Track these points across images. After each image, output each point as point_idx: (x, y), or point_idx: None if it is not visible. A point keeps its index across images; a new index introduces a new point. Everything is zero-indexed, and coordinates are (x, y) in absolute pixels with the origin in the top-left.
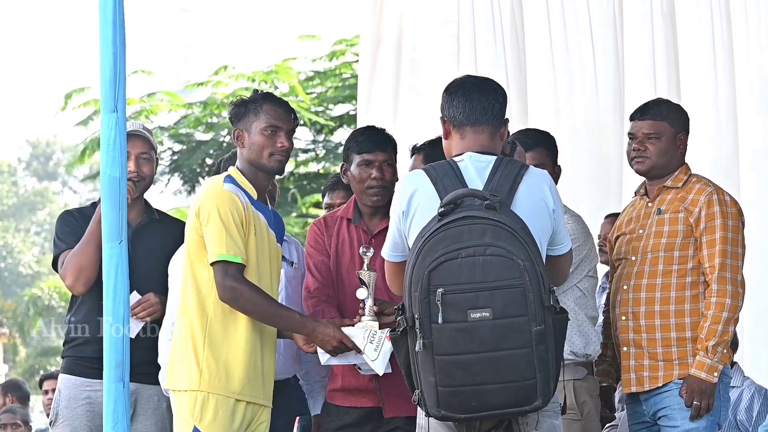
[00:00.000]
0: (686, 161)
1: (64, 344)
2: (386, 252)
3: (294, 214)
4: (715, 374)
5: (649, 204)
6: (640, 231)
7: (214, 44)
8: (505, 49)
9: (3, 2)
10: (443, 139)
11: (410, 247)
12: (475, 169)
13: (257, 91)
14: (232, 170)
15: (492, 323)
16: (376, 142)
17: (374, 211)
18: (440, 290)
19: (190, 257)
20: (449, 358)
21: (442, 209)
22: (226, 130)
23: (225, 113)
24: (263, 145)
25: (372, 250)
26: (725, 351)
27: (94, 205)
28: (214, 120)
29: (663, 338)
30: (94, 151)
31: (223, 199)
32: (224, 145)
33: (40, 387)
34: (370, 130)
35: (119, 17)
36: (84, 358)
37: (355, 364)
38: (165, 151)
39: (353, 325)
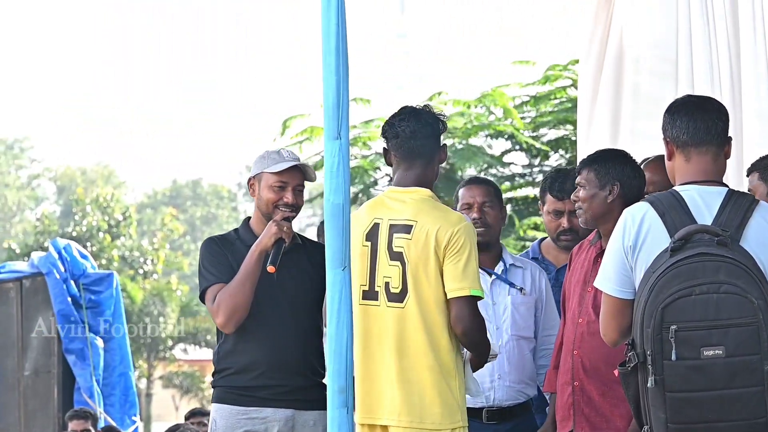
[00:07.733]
0: None
1: (213, 374)
2: (613, 288)
3: (512, 237)
4: None
5: None
6: None
7: (429, 71)
8: (720, 76)
9: (228, 30)
10: (666, 161)
11: (636, 282)
12: (704, 201)
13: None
14: None
15: (725, 361)
16: None
17: None
18: (674, 327)
19: (434, 285)
20: (681, 395)
21: (674, 245)
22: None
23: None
24: None
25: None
26: None
27: (236, 231)
28: None
29: None
30: None
31: (475, 234)
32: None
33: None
34: None
35: (342, 45)
36: (237, 388)
37: None
38: (383, 177)
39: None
